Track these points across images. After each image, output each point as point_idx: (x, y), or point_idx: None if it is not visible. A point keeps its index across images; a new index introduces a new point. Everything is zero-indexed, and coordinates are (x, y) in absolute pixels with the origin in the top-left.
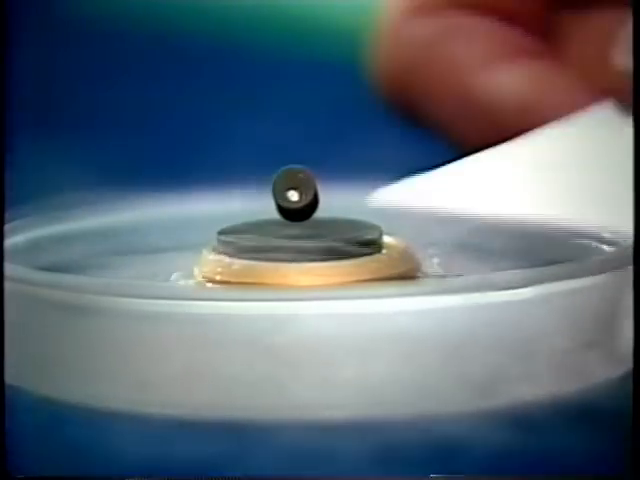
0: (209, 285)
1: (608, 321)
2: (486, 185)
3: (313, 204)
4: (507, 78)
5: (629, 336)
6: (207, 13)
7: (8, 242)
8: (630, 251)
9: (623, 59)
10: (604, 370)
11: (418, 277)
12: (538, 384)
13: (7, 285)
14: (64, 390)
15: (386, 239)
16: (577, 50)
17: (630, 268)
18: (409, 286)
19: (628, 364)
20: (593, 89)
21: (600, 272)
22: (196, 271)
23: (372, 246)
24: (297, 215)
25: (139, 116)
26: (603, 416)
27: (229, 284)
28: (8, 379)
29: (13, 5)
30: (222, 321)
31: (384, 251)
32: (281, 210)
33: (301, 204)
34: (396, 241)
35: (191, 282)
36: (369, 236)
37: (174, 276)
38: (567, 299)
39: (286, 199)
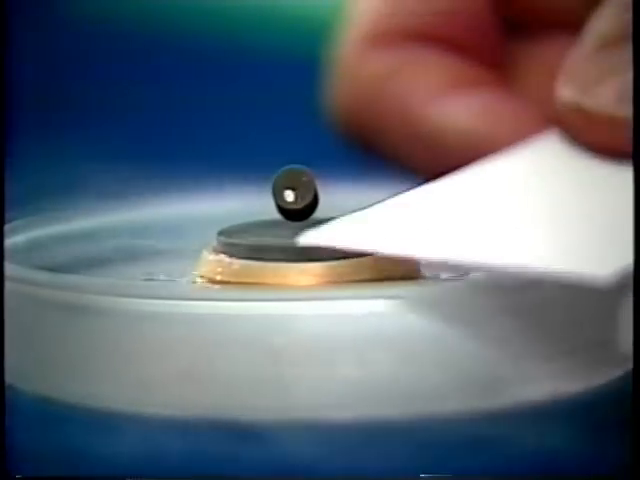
0: (209, 285)
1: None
2: (434, 219)
3: (312, 204)
4: (457, 110)
5: (629, 336)
6: (212, 14)
7: (8, 242)
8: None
9: (566, 91)
10: (605, 370)
11: (417, 278)
12: (539, 383)
13: (7, 285)
14: (64, 390)
15: None
16: (528, 80)
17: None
18: (408, 287)
19: (628, 364)
20: (542, 119)
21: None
22: (196, 271)
23: None
24: (296, 215)
25: (140, 116)
26: (603, 416)
27: (229, 284)
28: (8, 379)
29: (13, 5)
30: (222, 321)
31: None
32: (280, 210)
33: (298, 205)
34: None
35: (191, 282)
36: None
37: (176, 276)
38: (565, 298)
39: (284, 199)
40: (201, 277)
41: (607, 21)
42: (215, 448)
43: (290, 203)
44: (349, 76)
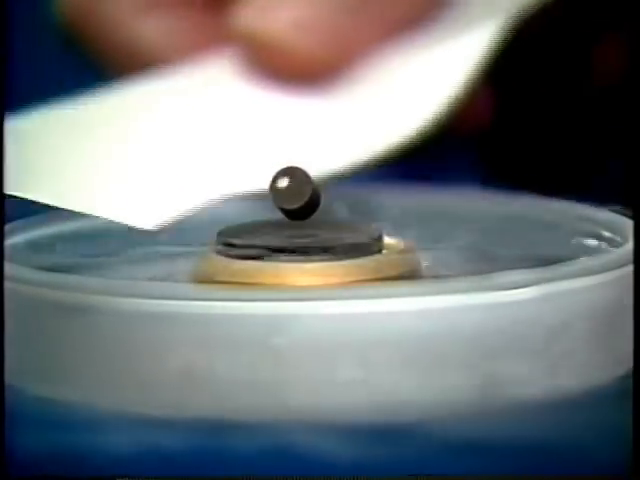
0: (209, 285)
1: (609, 320)
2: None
3: (312, 203)
4: (151, 27)
5: (629, 335)
6: None
7: (8, 242)
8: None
9: (242, 13)
10: (605, 370)
11: (418, 277)
12: (539, 384)
13: (7, 285)
14: (64, 390)
15: (386, 240)
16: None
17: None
18: (409, 286)
19: (628, 364)
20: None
21: (602, 271)
22: (196, 271)
23: (371, 247)
24: (297, 215)
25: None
26: (603, 416)
27: (229, 284)
28: (8, 379)
29: (14, 4)
30: (222, 321)
31: (384, 252)
32: (282, 210)
33: (297, 205)
34: (396, 242)
35: (191, 282)
36: (368, 237)
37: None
38: (568, 298)
39: (284, 199)
40: (201, 277)
41: None
42: (214, 448)
43: (290, 203)
44: None
